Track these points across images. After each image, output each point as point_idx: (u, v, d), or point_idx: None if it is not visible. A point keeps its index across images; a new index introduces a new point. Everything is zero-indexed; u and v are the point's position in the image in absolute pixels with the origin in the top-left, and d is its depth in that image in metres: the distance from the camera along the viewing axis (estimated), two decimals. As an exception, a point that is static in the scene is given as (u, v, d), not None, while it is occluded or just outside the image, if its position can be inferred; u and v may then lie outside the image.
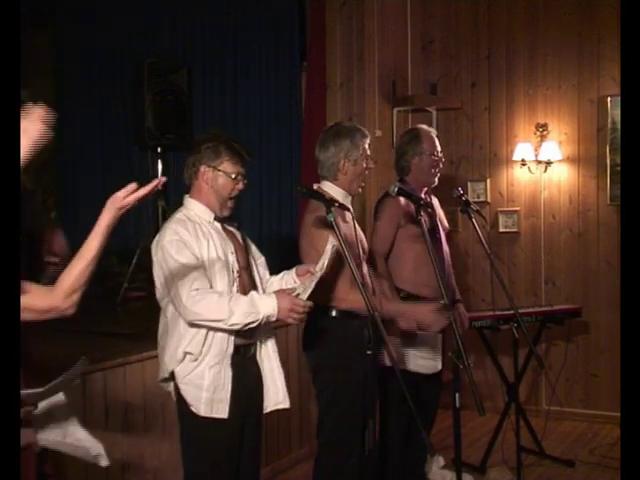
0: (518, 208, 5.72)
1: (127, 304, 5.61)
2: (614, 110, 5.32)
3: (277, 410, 3.06)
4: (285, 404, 3.06)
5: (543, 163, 5.54)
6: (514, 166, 5.70)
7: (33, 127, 1.85)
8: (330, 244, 2.93)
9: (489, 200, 5.78)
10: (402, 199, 3.74)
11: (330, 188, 3.37)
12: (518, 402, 4.42)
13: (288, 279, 3.04)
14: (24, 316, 1.94)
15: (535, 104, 5.66)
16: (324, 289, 2.96)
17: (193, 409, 2.84)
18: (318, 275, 2.89)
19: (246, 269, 2.98)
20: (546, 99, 5.63)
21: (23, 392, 1.99)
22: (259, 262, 3.09)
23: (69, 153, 6.66)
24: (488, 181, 5.80)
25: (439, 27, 6.00)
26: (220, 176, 2.90)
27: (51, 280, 2.06)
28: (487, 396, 5.34)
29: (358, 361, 3.20)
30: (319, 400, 3.42)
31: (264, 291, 3.00)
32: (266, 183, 5.90)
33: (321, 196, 3.12)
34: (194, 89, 6.16)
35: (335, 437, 3.35)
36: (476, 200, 5.54)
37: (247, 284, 2.93)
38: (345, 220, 3.30)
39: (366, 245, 3.51)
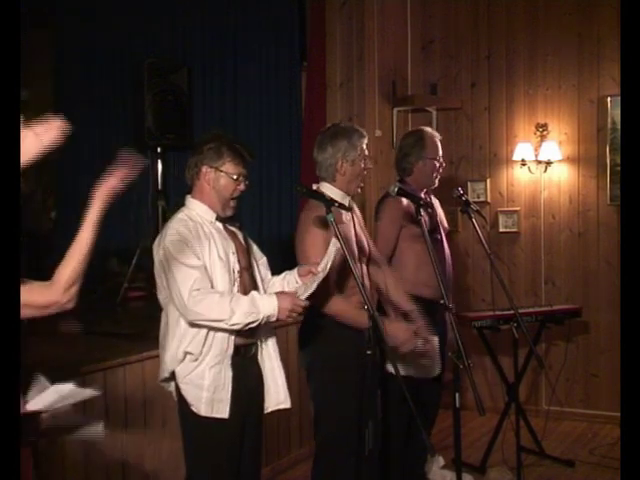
0: (518, 208, 5.72)
1: (127, 304, 5.61)
2: (614, 110, 5.33)
3: (278, 410, 3.07)
4: (286, 404, 3.06)
5: (543, 163, 5.54)
6: (514, 166, 5.70)
7: (48, 134, 1.86)
8: (333, 245, 2.93)
9: (489, 200, 5.78)
10: (403, 199, 3.74)
11: (328, 189, 3.37)
12: (518, 402, 4.42)
13: (290, 279, 3.04)
14: (24, 312, 1.94)
15: (535, 104, 5.66)
16: (317, 291, 2.95)
17: (194, 409, 2.84)
18: (320, 276, 2.90)
19: (247, 269, 2.98)
20: (546, 99, 5.64)
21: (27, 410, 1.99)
22: (261, 262, 3.10)
23: (69, 153, 6.64)
24: (488, 181, 5.80)
25: (439, 27, 6.00)
26: (222, 177, 2.90)
27: None
28: (487, 396, 5.35)
29: (354, 361, 3.21)
30: (314, 400, 3.42)
31: (265, 291, 3.01)
32: (266, 183, 5.90)
33: (321, 196, 3.12)
34: (194, 89, 6.16)
35: (330, 437, 3.34)
36: (476, 200, 5.54)
37: (248, 284, 2.93)
38: (342, 221, 3.30)
39: (366, 246, 3.51)
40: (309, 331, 3.37)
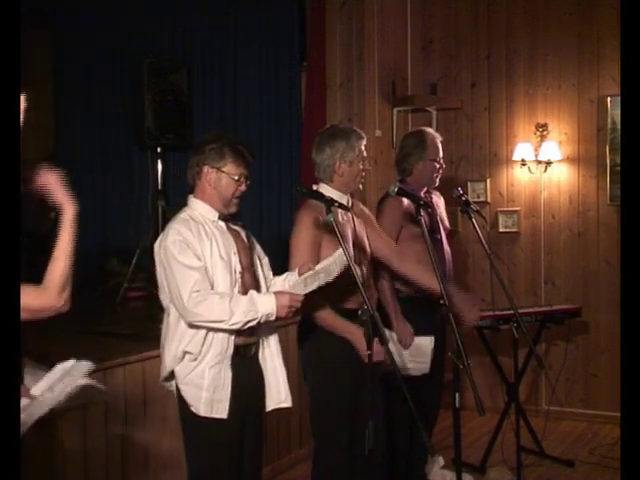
0: (518, 208, 5.72)
1: (127, 304, 5.61)
2: (614, 110, 5.32)
3: (278, 409, 3.07)
4: (287, 403, 3.06)
5: (543, 163, 5.54)
6: (514, 166, 5.70)
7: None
8: (339, 257, 2.93)
9: (489, 200, 5.78)
10: (403, 199, 3.74)
11: (326, 190, 3.36)
12: (518, 402, 4.41)
13: (291, 280, 3.04)
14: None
15: (535, 104, 5.66)
16: (305, 301, 2.96)
17: (193, 409, 2.84)
18: (322, 277, 2.91)
19: (249, 269, 2.98)
20: (546, 99, 5.64)
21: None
22: (263, 262, 3.10)
23: (69, 153, 6.65)
24: (488, 181, 5.80)
25: (439, 27, 6.00)
26: (223, 177, 2.90)
27: None
28: (487, 396, 5.34)
29: (350, 360, 3.21)
30: (311, 397, 3.43)
31: (268, 290, 3.01)
32: (266, 183, 5.90)
33: (321, 196, 3.12)
34: (194, 89, 6.16)
35: (326, 436, 3.35)
36: (476, 200, 5.54)
37: (249, 284, 2.93)
38: (339, 220, 3.30)
39: (367, 246, 3.50)
40: (307, 328, 3.38)
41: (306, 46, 5.80)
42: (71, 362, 2.11)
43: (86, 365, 2.12)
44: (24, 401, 1.94)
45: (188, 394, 2.85)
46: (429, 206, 3.93)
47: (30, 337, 2.01)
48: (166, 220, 5.45)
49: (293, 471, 4.60)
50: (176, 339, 2.84)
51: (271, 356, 3.03)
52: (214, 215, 2.93)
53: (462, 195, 3.85)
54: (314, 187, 3.40)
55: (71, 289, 2.06)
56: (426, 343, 3.80)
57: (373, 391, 3.12)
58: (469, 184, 5.81)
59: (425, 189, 4.12)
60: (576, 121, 5.55)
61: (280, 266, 3.22)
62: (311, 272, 2.95)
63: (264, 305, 2.78)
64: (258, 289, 2.95)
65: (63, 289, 2.04)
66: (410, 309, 3.93)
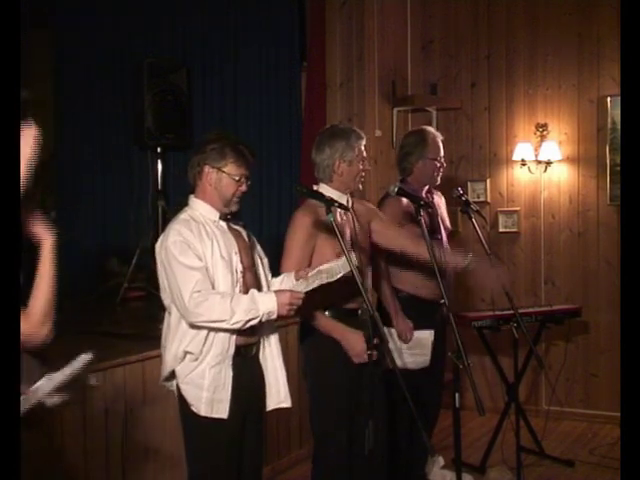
0: (518, 208, 5.72)
1: (127, 304, 5.61)
2: (614, 110, 5.32)
3: (278, 409, 3.07)
4: (287, 403, 3.07)
5: (543, 163, 5.54)
6: (514, 166, 5.70)
7: (26, 147, 1.84)
8: (342, 267, 2.93)
9: (489, 200, 5.78)
10: (403, 199, 3.74)
11: (326, 190, 3.37)
12: (518, 402, 4.42)
13: (288, 282, 3.04)
14: None
15: (535, 104, 5.66)
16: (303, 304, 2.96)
17: (194, 409, 2.85)
18: (324, 277, 2.91)
19: (250, 269, 2.99)
20: (546, 99, 5.64)
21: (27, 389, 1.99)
22: (263, 263, 3.10)
23: (69, 153, 6.66)
24: (488, 181, 5.80)
25: (439, 27, 6.00)
26: (224, 177, 2.90)
27: None
28: (487, 396, 5.35)
29: (349, 360, 3.22)
30: (310, 397, 3.44)
31: (269, 289, 3.01)
32: (266, 183, 5.90)
33: (321, 196, 3.12)
34: (194, 89, 6.16)
35: (325, 436, 3.36)
36: (476, 200, 5.54)
37: (251, 284, 2.94)
38: (338, 220, 3.30)
39: (367, 245, 3.50)
40: (308, 328, 3.38)
41: (306, 46, 5.80)
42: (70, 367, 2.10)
43: (86, 357, 2.12)
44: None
45: (189, 394, 2.85)
46: (429, 206, 3.93)
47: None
48: (166, 220, 5.48)
49: (293, 471, 4.60)
50: (177, 339, 2.85)
51: (272, 356, 3.03)
52: (215, 215, 2.93)
53: (462, 195, 3.85)
54: (314, 187, 3.41)
55: (53, 319, 2.01)
56: (426, 336, 3.81)
57: (373, 391, 3.12)
58: (469, 184, 5.81)
59: (426, 188, 4.12)
60: (576, 121, 5.55)
61: (279, 267, 3.22)
62: (314, 271, 2.95)
63: (265, 304, 2.78)
64: (260, 289, 2.95)
65: (47, 319, 1.99)
66: (410, 309, 3.93)
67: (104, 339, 4.13)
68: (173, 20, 6.36)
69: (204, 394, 2.83)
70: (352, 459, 3.30)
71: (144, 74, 5.84)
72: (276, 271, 3.17)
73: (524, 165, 5.57)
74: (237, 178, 2.90)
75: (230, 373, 2.86)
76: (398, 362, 3.68)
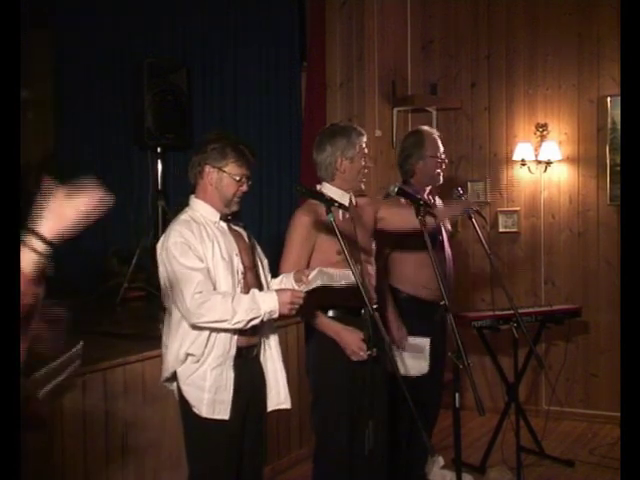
0: (518, 208, 5.72)
1: (127, 304, 5.61)
2: (614, 110, 5.32)
3: (278, 410, 3.07)
4: (286, 404, 3.07)
5: (543, 163, 5.54)
6: (514, 166, 5.70)
7: (87, 205, 1.84)
8: (342, 271, 2.94)
9: (489, 200, 5.78)
10: (402, 199, 3.74)
11: (328, 189, 3.37)
12: (518, 402, 4.42)
13: (287, 283, 3.04)
14: None
15: (535, 104, 5.66)
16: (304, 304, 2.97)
17: (195, 410, 2.85)
18: (325, 278, 2.92)
19: (252, 269, 2.99)
20: (546, 99, 5.64)
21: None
22: (263, 264, 3.11)
23: (69, 153, 6.66)
24: (488, 181, 5.80)
25: (439, 27, 6.00)
26: (225, 177, 2.90)
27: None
28: (487, 396, 5.35)
29: (350, 360, 3.22)
30: (312, 396, 3.44)
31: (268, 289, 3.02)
32: (266, 183, 5.90)
33: (321, 196, 3.12)
34: (194, 89, 6.16)
35: (326, 435, 3.36)
36: (476, 200, 5.54)
37: (252, 284, 2.94)
38: (339, 219, 3.30)
39: (369, 244, 3.49)
40: (312, 327, 3.39)
41: (306, 46, 5.80)
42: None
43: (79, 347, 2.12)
44: None
45: (190, 395, 2.85)
46: (429, 206, 3.93)
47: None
48: (166, 220, 5.48)
49: (293, 471, 4.60)
50: (178, 340, 2.85)
51: (272, 358, 3.03)
52: (215, 216, 2.93)
53: (462, 195, 3.85)
54: (317, 187, 3.41)
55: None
56: (423, 343, 3.81)
57: (373, 391, 3.12)
58: (469, 184, 5.81)
59: (429, 189, 4.12)
60: (576, 121, 5.55)
61: (278, 267, 3.23)
62: (315, 272, 2.96)
63: (266, 303, 2.79)
64: (261, 289, 2.95)
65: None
66: (410, 309, 3.94)
67: (104, 339, 4.13)
68: (173, 20, 6.36)
69: (205, 395, 2.83)
70: (353, 459, 3.30)
71: (144, 74, 5.84)
72: (276, 271, 3.17)
73: (524, 165, 5.57)
74: (238, 178, 2.90)
75: (231, 374, 2.86)
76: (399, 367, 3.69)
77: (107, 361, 3.54)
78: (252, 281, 2.95)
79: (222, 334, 2.83)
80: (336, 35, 5.57)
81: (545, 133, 5.57)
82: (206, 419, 2.83)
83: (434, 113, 5.85)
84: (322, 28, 5.60)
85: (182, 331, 2.84)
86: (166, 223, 5.24)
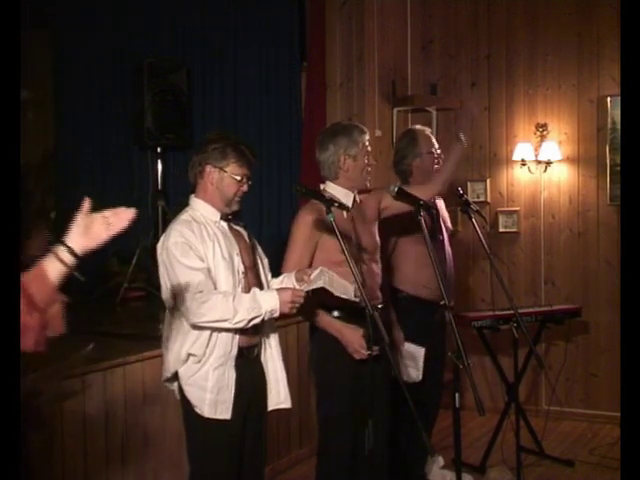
0: (518, 208, 5.72)
1: (127, 304, 5.61)
2: (614, 110, 5.33)
3: (278, 410, 3.08)
4: (286, 404, 3.07)
5: (543, 163, 5.54)
6: (514, 166, 5.70)
7: (117, 222, 1.89)
8: (352, 287, 2.95)
9: (489, 200, 5.78)
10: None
11: (332, 188, 3.38)
12: (518, 402, 4.42)
13: (288, 282, 3.04)
14: None
15: (535, 104, 5.66)
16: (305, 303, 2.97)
17: (197, 410, 2.85)
18: (326, 279, 2.92)
19: (252, 269, 2.99)
20: (546, 99, 5.64)
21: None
22: (264, 263, 3.11)
23: (69, 153, 6.66)
24: (488, 181, 5.80)
25: (439, 27, 6.00)
26: (226, 177, 2.90)
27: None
28: (487, 396, 5.35)
29: (350, 360, 3.22)
30: (316, 395, 3.44)
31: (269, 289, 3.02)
32: (266, 183, 5.90)
33: (320, 196, 3.12)
34: (194, 89, 6.16)
35: (328, 434, 3.36)
36: (476, 200, 5.54)
37: (253, 284, 2.93)
38: (341, 219, 3.30)
39: (371, 243, 3.48)
40: (315, 328, 3.39)
41: (306, 46, 5.79)
42: None
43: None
44: None
45: (192, 395, 2.85)
46: (429, 206, 3.93)
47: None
48: (166, 220, 5.48)
49: (293, 471, 4.60)
50: (179, 341, 2.85)
51: (272, 357, 3.03)
52: (216, 216, 2.93)
53: (462, 195, 3.85)
54: (321, 186, 3.41)
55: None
56: (418, 352, 3.82)
57: (373, 390, 3.12)
58: (469, 184, 5.81)
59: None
60: (576, 121, 5.55)
61: (280, 266, 3.23)
62: (317, 271, 2.96)
63: (267, 302, 2.79)
64: (261, 289, 2.95)
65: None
66: (410, 309, 3.94)
67: (104, 339, 4.13)
68: (173, 20, 6.35)
69: (207, 395, 2.83)
70: (354, 458, 3.29)
71: (144, 74, 5.85)
72: (276, 271, 3.17)
73: (524, 165, 5.57)
74: (239, 178, 2.91)
75: (233, 374, 2.86)
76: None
77: (107, 361, 3.54)
78: (253, 281, 2.96)
79: (223, 334, 2.83)
80: (336, 35, 5.57)
81: (545, 133, 5.57)
82: (208, 419, 2.84)
83: (434, 113, 5.85)
84: (322, 28, 5.60)
85: (184, 331, 2.84)
86: (166, 223, 5.24)
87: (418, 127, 4.23)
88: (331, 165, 3.38)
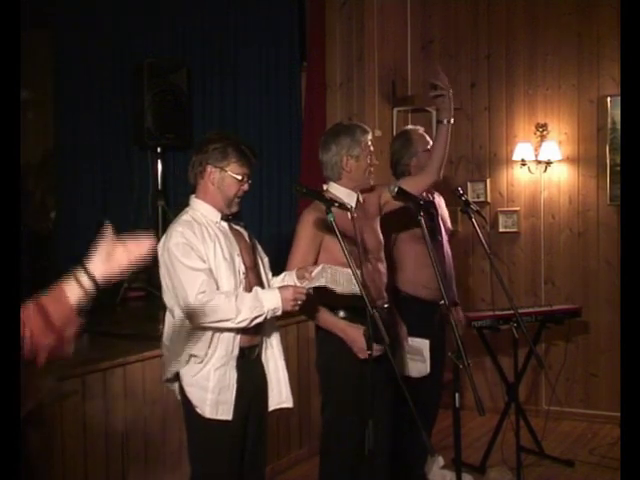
0: (518, 208, 5.72)
1: (127, 304, 5.61)
2: (614, 110, 5.33)
3: (280, 409, 3.08)
4: (288, 403, 3.07)
5: (543, 163, 5.54)
6: (514, 166, 5.70)
7: (138, 250, 1.89)
8: (346, 278, 2.95)
9: (489, 200, 5.78)
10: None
11: (335, 189, 3.38)
12: (518, 402, 4.42)
13: (289, 281, 3.04)
14: None
15: (535, 104, 5.66)
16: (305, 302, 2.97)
17: (198, 410, 2.85)
18: (329, 279, 2.92)
19: (253, 269, 2.99)
20: (546, 99, 5.64)
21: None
22: (264, 262, 3.11)
23: (69, 153, 6.65)
24: (488, 181, 5.80)
25: (439, 27, 6.00)
26: (226, 177, 2.91)
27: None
28: (487, 396, 5.35)
29: (356, 360, 3.21)
30: (322, 395, 3.44)
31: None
32: (266, 183, 5.90)
33: (320, 196, 3.12)
34: (194, 89, 6.16)
35: (330, 431, 3.36)
36: (476, 200, 5.54)
37: (254, 284, 2.94)
38: (343, 219, 3.29)
39: (374, 242, 3.47)
40: (321, 328, 3.39)
41: (306, 46, 5.79)
42: None
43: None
44: None
45: (194, 396, 2.85)
46: (430, 206, 3.93)
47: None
48: (166, 220, 5.48)
49: (293, 471, 4.60)
50: (180, 341, 2.84)
51: (274, 357, 3.04)
52: (216, 216, 2.93)
53: (462, 195, 3.85)
54: (324, 187, 3.41)
55: None
56: (422, 345, 3.81)
57: (373, 390, 3.12)
58: (469, 184, 5.81)
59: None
60: (576, 121, 5.55)
61: (280, 266, 3.22)
62: (318, 268, 2.96)
63: (269, 300, 2.79)
64: (263, 288, 2.95)
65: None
66: (409, 309, 3.93)
67: (104, 339, 4.13)
68: (173, 20, 6.35)
69: (209, 396, 2.83)
70: (356, 458, 3.29)
71: (144, 74, 5.84)
72: (278, 270, 3.17)
73: (524, 165, 5.57)
74: (240, 177, 2.91)
75: (234, 375, 2.87)
76: (399, 368, 3.69)
77: (107, 361, 3.54)
78: (254, 281, 2.96)
79: (225, 335, 2.83)
80: (336, 35, 5.57)
81: (545, 133, 5.57)
82: (209, 419, 2.84)
83: (434, 113, 5.84)
84: (322, 28, 5.60)
85: (184, 332, 2.84)
86: (166, 223, 5.24)
87: (410, 127, 4.25)
88: (334, 166, 3.38)
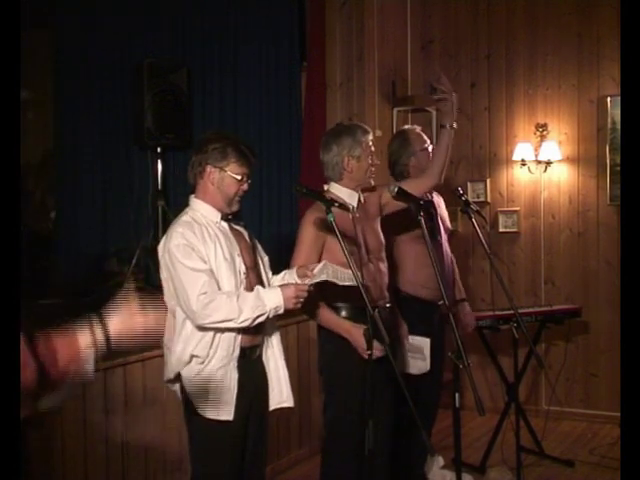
0: (518, 208, 5.72)
1: (127, 304, 5.60)
2: (614, 110, 5.33)
3: (280, 409, 3.08)
4: (289, 403, 3.07)
5: (543, 163, 5.54)
6: (514, 166, 5.70)
7: (150, 322, 1.93)
8: (348, 273, 2.94)
9: (489, 200, 5.78)
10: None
11: (336, 189, 3.38)
12: (518, 402, 4.42)
13: (289, 279, 3.04)
14: None
15: (535, 104, 5.66)
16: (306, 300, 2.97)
17: (199, 411, 2.85)
18: (330, 274, 2.91)
19: (254, 269, 2.99)
20: (546, 99, 5.64)
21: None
22: (264, 261, 3.11)
23: (69, 153, 6.65)
24: (488, 181, 5.81)
25: (438, 27, 6.01)
26: (226, 177, 2.91)
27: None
28: (487, 396, 5.35)
29: (359, 360, 3.21)
30: (324, 395, 3.44)
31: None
32: (266, 183, 5.90)
33: (320, 196, 3.12)
34: (194, 89, 6.15)
35: (332, 430, 3.36)
36: (476, 200, 5.54)
37: (255, 284, 2.94)
38: (344, 219, 3.29)
39: (376, 242, 3.47)
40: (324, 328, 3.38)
41: (306, 46, 5.79)
42: None
43: None
44: None
45: (195, 396, 2.85)
46: (430, 206, 3.93)
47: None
48: (166, 220, 5.48)
49: (293, 471, 4.60)
50: (181, 342, 2.84)
51: (274, 357, 3.04)
52: (216, 216, 2.93)
53: (462, 195, 3.85)
54: (325, 187, 3.41)
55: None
56: (422, 343, 3.81)
57: (373, 390, 3.12)
58: (469, 184, 5.82)
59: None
60: (576, 121, 5.55)
61: (280, 265, 3.22)
62: (320, 265, 2.96)
63: (271, 299, 2.79)
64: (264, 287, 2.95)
65: None
66: (409, 309, 3.93)
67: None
68: (173, 20, 6.35)
69: (210, 397, 2.83)
70: (357, 458, 3.29)
71: (144, 74, 5.83)
72: (278, 270, 3.17)
73: (524, 165, 5.58)
74: (239, 177, 2.91)
75: (235, 375, 2.87)
76: (400, 367, 3.69)
77: (107, 361, 3.54)
78: (254, 281, 2.96)
79: (226, 335, 2.83)
80: (336, 35, 5.57)
81: (545, 133, 5.57)
82: (210, 420, 2.84)
83: (434, 113, 5.85)
84: (322, 28, 5.60)
85: (186, 333, 2.84)
86: (166, 223, 5.24)
87: (407, 127, 4.25)
88: (335, 166, 3.38)
